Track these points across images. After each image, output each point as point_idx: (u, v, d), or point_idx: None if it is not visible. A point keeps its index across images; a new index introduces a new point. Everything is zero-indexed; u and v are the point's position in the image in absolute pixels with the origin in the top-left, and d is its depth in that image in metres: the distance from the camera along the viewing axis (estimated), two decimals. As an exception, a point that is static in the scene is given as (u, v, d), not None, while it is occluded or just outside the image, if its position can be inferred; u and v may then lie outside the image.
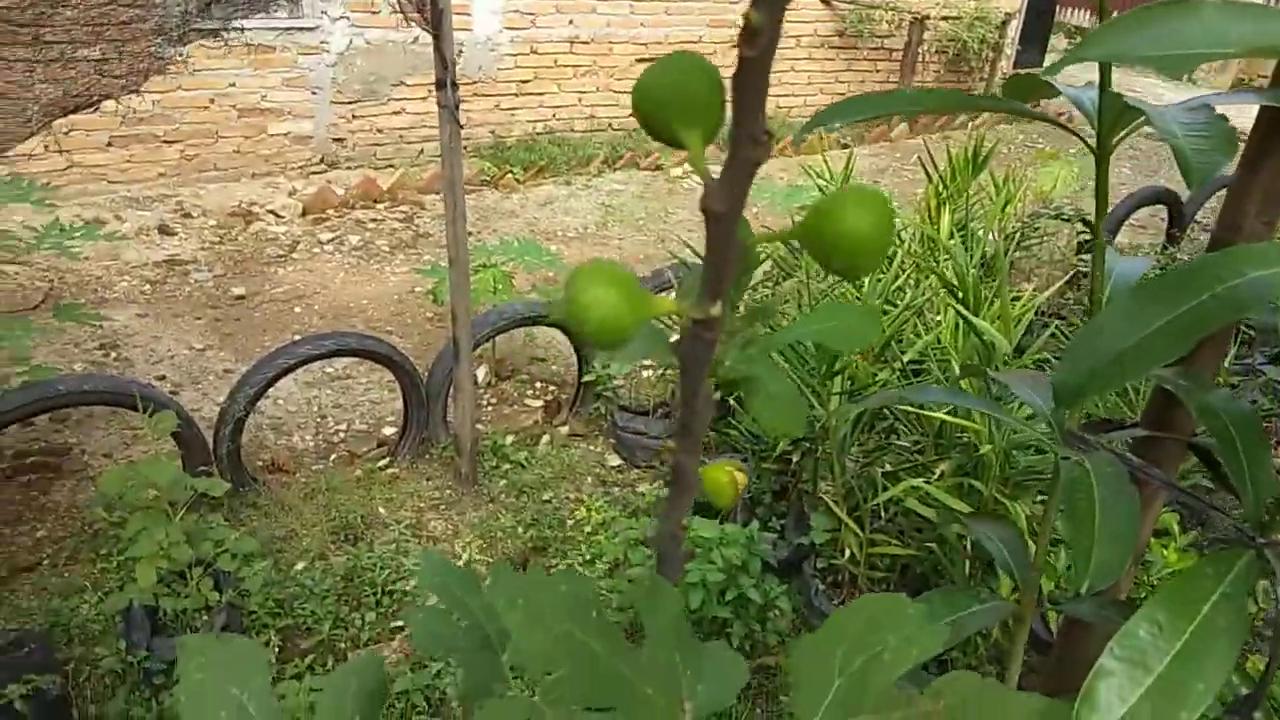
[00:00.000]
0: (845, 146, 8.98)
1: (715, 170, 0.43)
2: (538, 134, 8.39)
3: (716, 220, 0.42)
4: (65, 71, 5.84)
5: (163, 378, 4.60)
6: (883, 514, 2.95)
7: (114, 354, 4.81)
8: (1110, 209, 5.11)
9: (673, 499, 0.54)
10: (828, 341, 0.72)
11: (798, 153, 8.67)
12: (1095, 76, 0.94)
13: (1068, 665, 1.18)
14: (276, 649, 2.94)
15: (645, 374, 4.93)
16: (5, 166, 5.95)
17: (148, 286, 5.59)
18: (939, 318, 3.22)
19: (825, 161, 4.00)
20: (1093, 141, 0.96)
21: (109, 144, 6.46)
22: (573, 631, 0.52)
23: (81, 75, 5.80)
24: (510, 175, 7.65)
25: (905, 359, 2.90)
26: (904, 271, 3.24)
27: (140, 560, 2.67)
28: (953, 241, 3.06)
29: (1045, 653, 2.41)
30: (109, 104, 6.42)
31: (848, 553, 2.95)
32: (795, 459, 3.25)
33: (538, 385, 4.95)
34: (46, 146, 6.19)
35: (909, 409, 2.87)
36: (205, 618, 2.79)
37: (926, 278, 3.15)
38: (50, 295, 5.24)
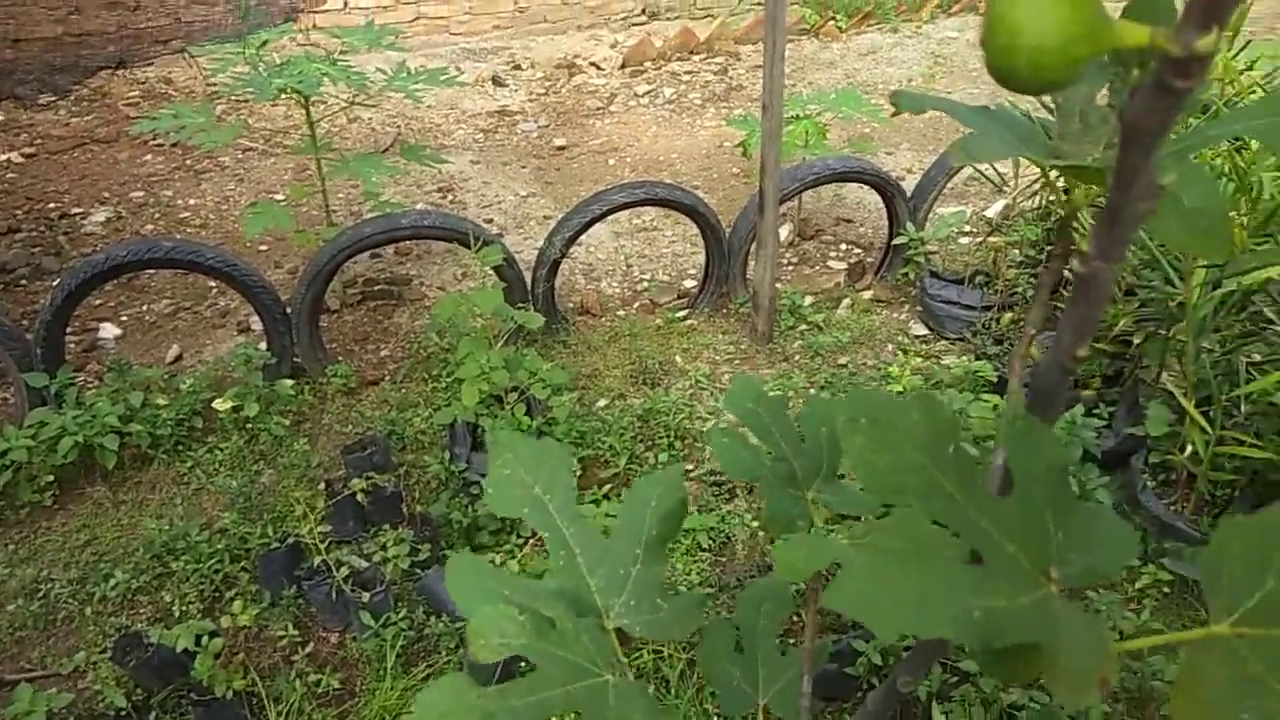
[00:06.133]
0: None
1: None
2: (863, -21, 7.82)
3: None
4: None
5: (490, 220, 4.92)
6: (1239, 411, 2.54)
7: (450, 196, 5.20)
8: None
9: (1070, 317, 0.42)
10: (1271, 140, 0.54)
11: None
12: None
13: None
14: (577, 475, 3.13)
15: (963, 240, 4.57)
16: (362, 17, 6.50)
17: (481, 135, 5.96)
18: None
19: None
20: None
21: (450, -4, 6.84)
22: (925, 466, 0.42)
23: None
24: (833, 23, 7.23)
25: (1301, 231, 2.42)
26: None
27: (465, 382, 2.91)
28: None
29: None
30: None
31: (1189, 450, 2.59)
32: (1136, 341, 2.88)
33: (842, 246, 4.75)
34: None
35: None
36: (518, 440, 3.01)
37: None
38: (398, 140, 5.74)
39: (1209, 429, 2.51)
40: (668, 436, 3.33)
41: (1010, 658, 0.42)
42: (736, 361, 3.87)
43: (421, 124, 6.01)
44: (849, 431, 0.41)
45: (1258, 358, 2.54)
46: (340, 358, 3.77)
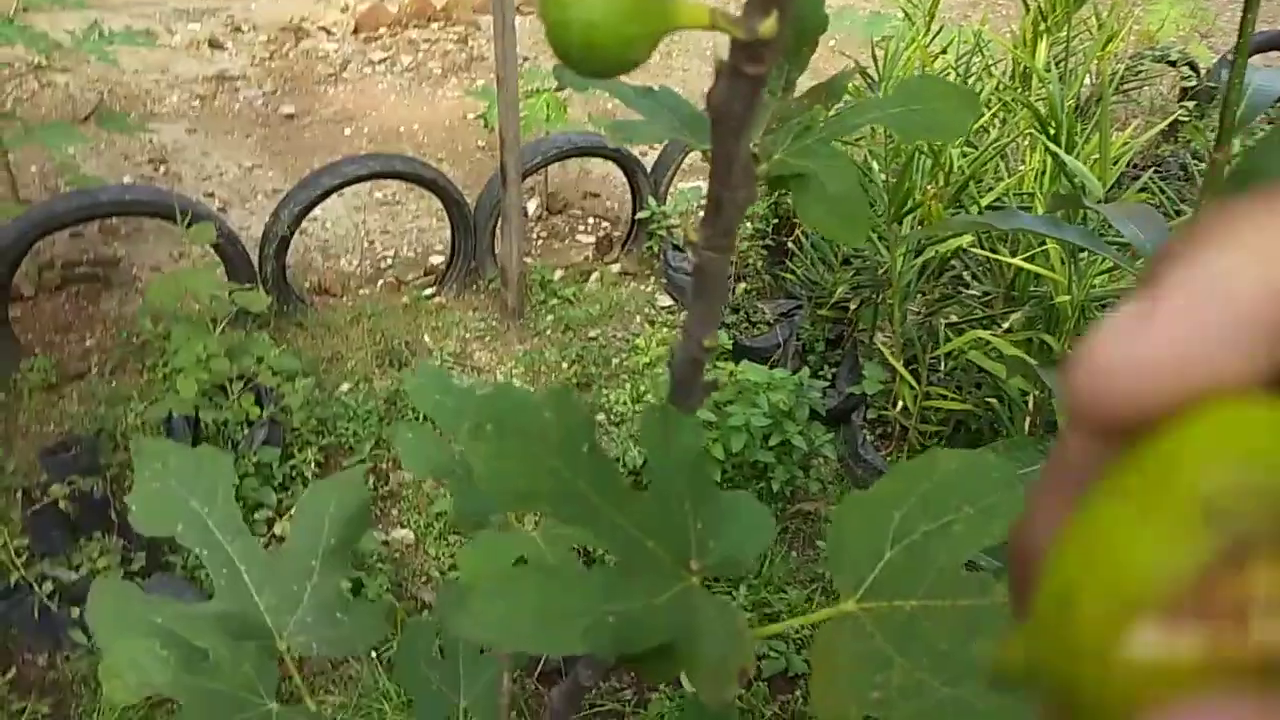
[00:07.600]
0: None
1: None
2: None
3: None
4: None
5: (211, 195, 4.53)
6: (942, 368, 2.81)
7: (163, 169, 4.74)
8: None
9: (695, 309, 0.41)
10: (907, 130, 0.57)
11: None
12: None
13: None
14: (318, 464, 2.96)
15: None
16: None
17: (197, 102, 5.46)
18: (1023, 166, 2.97)
19: (913, -14, 3.63)
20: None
21: (156, -53, 6.20)
22: (560, 469, 0.40)
23: None
24: (572, -3, 7.23)
25: (984, 202, 2.68)
26: (990, 108, 2.97)
27: (181, 372, 2.66)
28: (1050, 74, 2.76)
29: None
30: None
31: (900, 405, 2.83)
32: (853, 307, 3.10)
33: (590, 221, 4.79)
34: (93, -52, 5.97)
35: (981, 255, 2.68)
36: (246, 432, 2.80)
37: (1015, 115, 2.88)
38: (100, 108, 5.14)
39: (916, 385, 2.75)
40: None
41: (652, 657, 0.41)
42: (488, 338, 3.81)
43: (128, 90, 5.42)
44: (473, 439, 0.39)
45: (955, 319, 2.81)
46: (37, 350, 3.36)
